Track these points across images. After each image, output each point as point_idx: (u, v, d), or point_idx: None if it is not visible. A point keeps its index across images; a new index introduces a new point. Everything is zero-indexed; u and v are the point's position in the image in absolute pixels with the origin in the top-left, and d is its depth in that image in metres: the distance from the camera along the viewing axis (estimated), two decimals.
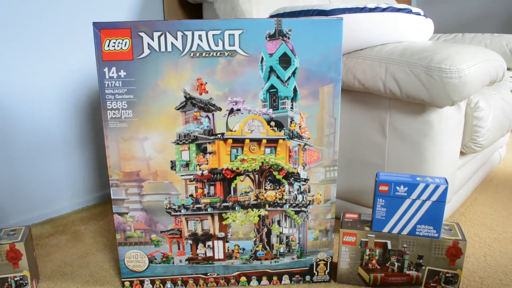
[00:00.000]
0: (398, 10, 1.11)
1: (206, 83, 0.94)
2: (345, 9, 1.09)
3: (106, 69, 0.93)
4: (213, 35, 0.91)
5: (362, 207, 1.31)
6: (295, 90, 0.95)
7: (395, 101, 1.14)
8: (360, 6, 1.10)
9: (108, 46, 0.91)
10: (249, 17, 1.37)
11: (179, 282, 1.06)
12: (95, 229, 1.36)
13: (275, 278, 1.07)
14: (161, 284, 1.06)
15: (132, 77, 0.93)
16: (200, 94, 0.94)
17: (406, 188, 0.97)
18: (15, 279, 1.02)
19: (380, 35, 1.13)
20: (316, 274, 1.07)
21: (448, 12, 2.49)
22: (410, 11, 1.13)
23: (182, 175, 0.99)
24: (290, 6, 1.19)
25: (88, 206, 1.55)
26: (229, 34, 0.91)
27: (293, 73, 0.94)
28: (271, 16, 1.21)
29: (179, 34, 0.91)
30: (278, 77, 0.94)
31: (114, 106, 0.95)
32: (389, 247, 1.02)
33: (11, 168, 1.35)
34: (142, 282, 1.06)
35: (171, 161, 0.98)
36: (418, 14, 1.15)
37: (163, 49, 0.91)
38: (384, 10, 1.10)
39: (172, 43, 0.91)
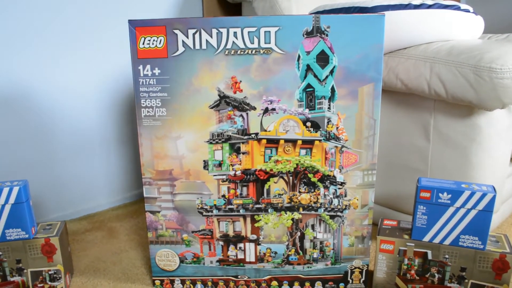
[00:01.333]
0: (446, 7, 1.05)
1: (240, 81, 0.91)
2: (388, 6, 1.05)
3: (141, 67, 0.92)
4: (248, 32, 0.88)
5: (402, 214, 1.25)
6: (332, 90, 0.91)
7: (440, 103, 1.08)
8: (404, 2, 1.05)
9: (143, 43, 0.91)
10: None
11: (209, 284, 1.05)
12: (130, 227, 1.37)
13: (307, 284, 1.03)
14: (191, 285, 1.05)
15: (167, 75, 0.92)
16: (235, 92, 0.92)
17: (449, 196, 0.91)
18: (49, 272, 1.03)
19: (425, 33, 1.07)
20: (350, 282, 1.03)
21: (499, 11, 2.36)
22: (458, 8, 1.06)
23: (214, 175, 0.97)
24: (330, 4, 1.15)
25: (125, 204, 1.56)
26: (265, 31, 0.88)
27: (331, 71, 0.90)
28: (310, 14, 1.18)
29: (214, 31, 0.89)
30: (315, 75, 0.90)
31: (148, 104, 0.94)
32: (430, 257, 0.96)
33: (52, 165, 1.38)
34: (172, 282, 1.05)
35: (204, 161, 0.96)
36: (467, 11, 1.08)
37: (197, 46, 0.90)
38: (430, 7, 1.05)
39: (207, 40, 0.90)
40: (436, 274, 0.96)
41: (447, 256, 0.95)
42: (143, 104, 0.94)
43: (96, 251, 1.23)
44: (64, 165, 1.41)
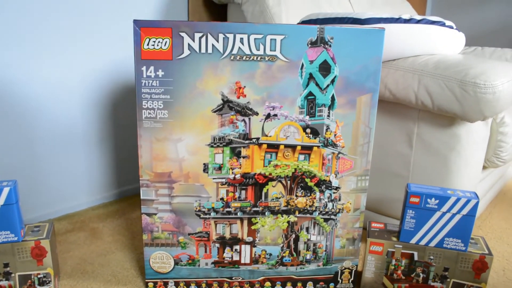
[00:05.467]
0: (433, 22, 1.12)
1: (244, 86, 0.93)
2: (380, 19, 1.10)
3: (144, 68, 0.92)
4: (255, 39, 0.90)
5: (383, 216, 1.31)
6: (332, 98, 0.95)
7: (424, 113, 1.15)
8: (395, 16, 1.10)
9: (148, 44, 0.90)
10: (278, 21, 1.36)
11: (204, 285, 1.06)
12: (113, 227, 1.35)
13: (299, 284, 1.07)
14: (185, 286, 1.05)
15: (170, 77, 0.92)
16: (238, 97, 0.94)
17: (437, 201, 0.97)
18: (38, 276, 1.00)
19: (414, 46, 1.13)
20: (340, 282, 1.07)
21: (463, 24, 2.51)
22: (443, 24, 1.13)
23: (214, 178, 0.98)
24: (323, 13, 1.19)
25: (105, 203, 1.53)
26: (271, 39, 0.91)
27: (332, 81, 0.94)
28: (303, 22, 1.21)
29: (221, 36, 0.90)
30: (317, 84, 0.94)
31: (150, 105, 0.94)
32: (416, 258, 1.02)
33: (30, 163, 1.33)
34: (166, 284, 1.05)
35: (204, 164, 0.97)
36: (451, 27, 1.15)
37: (203, 50, 0.91)
38: (418, 22, 1.11)
39: (213, 44, 0.90)
40: (421, 274, 1.03)
41: (431, 257, 1.01)
42: (145, 105, 0.94)
43: (81, 252, 1.20)
44: (43, 163, 1.36)
